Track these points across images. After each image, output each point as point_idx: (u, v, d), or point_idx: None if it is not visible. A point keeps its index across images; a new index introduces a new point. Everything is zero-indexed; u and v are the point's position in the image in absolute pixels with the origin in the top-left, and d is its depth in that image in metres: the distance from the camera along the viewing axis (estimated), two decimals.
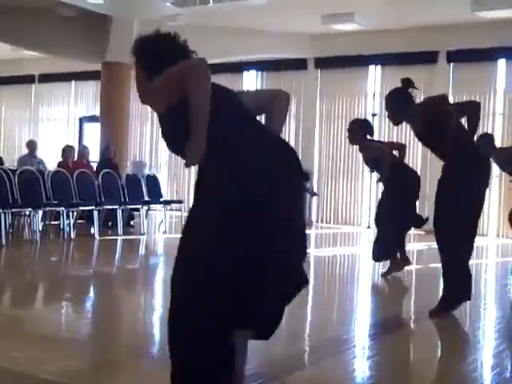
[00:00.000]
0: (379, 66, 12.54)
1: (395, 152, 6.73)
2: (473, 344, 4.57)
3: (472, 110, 4.92)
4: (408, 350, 4.52)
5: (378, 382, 3.67)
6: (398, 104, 5.07)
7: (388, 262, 6.79)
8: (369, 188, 12.39)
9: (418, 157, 11.58)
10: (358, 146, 6.80)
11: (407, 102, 5.03)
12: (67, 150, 11.06)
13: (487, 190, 4.96)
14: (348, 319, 5.25)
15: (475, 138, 5.14)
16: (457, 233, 4.75)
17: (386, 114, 5.26)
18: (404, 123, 5.37)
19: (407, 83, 5.07)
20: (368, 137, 6.67)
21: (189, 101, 2.33)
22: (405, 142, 11.08)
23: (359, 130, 6.64)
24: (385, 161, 6.47)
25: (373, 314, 5.55)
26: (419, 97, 5.22)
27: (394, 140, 11.32)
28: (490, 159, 5.24)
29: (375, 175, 7.08)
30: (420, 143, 5.29)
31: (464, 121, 4.90)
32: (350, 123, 6.91)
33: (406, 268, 6.85)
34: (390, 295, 6.54)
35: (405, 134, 11.41)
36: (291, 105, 13.09)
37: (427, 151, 5.52)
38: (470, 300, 5.00)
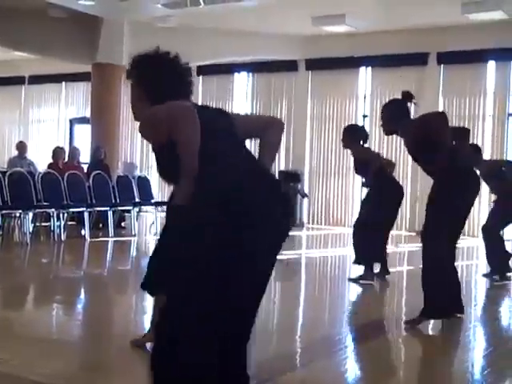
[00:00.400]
0: (370, 68, 12.56)
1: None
2: (464, 345, 4.59)
3: (460, 134, 4.95)
4: (399, 350, 4.53)
5: (370, 383, 3.68)
6: (394, 115, 5.05)
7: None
8: (360, 189, 12.40)
9: (409, 162, 11.60)
10: (350, 151, 6.84)
11: (403, 114, 5.03)
12: (57, 152, 11.02)
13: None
14: (339, 320, 5.27)
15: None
16: (444, 243, 4.77)
17: (380, 122, 5.24)
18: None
19: (407, 96, 5.07)
20: (361, 143, 6.71)
21: (178, 147, 2.37)
22: (395, 146, 11.21)
23: (354, 136, 6.68)
24: (373, 165, 6.50)
25: (364, 315, 5.56)
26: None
27: (385, 144, 11.43)
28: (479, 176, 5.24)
29: (361, 182, 7.10)
30: None
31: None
32: (345, 128, 6.98)
33: (397, 269, 6.87)
34: (381, 296, 6.56)
35: (395, 137, 11.43)
36: (282, 106, 13.18)
37: None
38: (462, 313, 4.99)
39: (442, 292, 4.71)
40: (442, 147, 4.70)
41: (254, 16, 11.04)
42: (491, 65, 11.50)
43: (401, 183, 7.11)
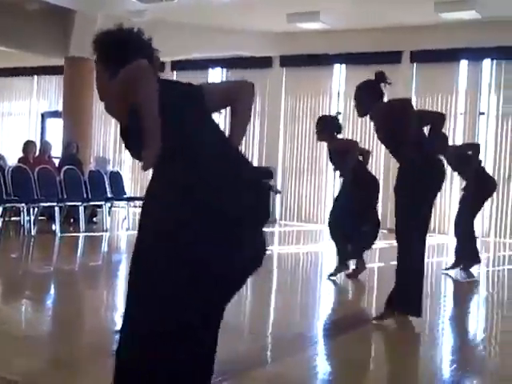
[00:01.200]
0: (344, 65, 12.62)
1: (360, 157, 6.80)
2: (432, 340, 4.64)
3: (436, 120, 5.00)
4: (369, 346, 4.57)
5: (339, 378, 3.70)
6: (367, 96, 5.07)
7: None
8: (332, 186, 12.47)
9: (381, 157, 11.70)
10: (325, 144, 6.86)
11: (376, 95, 5.05)
12: (28, 146, 10.90)
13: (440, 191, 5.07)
14: (310, 317, 5.29)
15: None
16: (415, 234, 4.84)
17: (354, 104, 5.26)
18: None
19: (380, 77, 5.08)
20: (335, 134, 6.71)
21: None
22: (368, 141, 11.28)
23: (328, 127, 6.67)
24: (351, 154, 6.50)
25: (335, 312, 5.59)
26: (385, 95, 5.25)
27: (358, 139, 11.49)
28: (444, 163, 5.30)
29: (339, 173, 7.11)
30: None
31: (427, 129, 4.98)
32: (318, 119, 6.92)
33: (369, 266, 6.93)
34: (352, 293, 6.60)
35: (368, 133, 11.55)
36: (256, 102, 13.18)
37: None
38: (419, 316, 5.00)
39: (415, 290, 4.79)
40: (407, 136, 4.75)
41: (229, 12, 11.02)
42: (463, 64, 11.62)
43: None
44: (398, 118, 4.81)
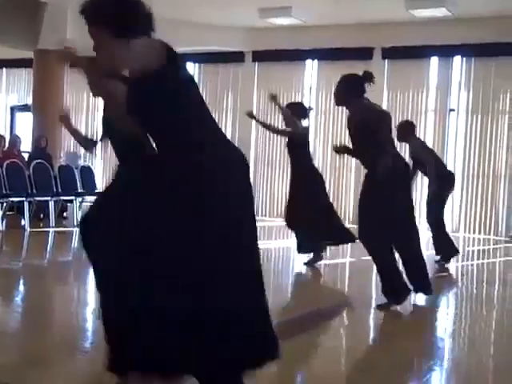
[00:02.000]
0: (316, 61, 12.66)
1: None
2: (402, 334, 4.67)
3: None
4: (340, 339, 4.59)
5: (311, 372, 3.71)
6: (349, 89, 5.16)
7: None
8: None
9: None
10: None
11: (357, 91, 5.14)
12: None
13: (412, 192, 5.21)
14: (281, 310, 5.29)
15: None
16: (381, 241, 4.96)
17: (334, 91, 5.33)
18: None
19: (368, 77, 5.17)
20: (301, 120, 6.98)
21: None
22: (339, 136, 11.36)
23: (292, 112, 6.89)
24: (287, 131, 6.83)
25: (306, 306, 5.60)
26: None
27: (329, 134, 11.56)
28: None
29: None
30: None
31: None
32: (286, 105, 7.24)
33: (340, 261, 6.98)
34: (323, 287, 6.62)
35: (340, 128, 11.61)
36: (228, 97, 13.15)
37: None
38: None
39: (398, 279, 5.11)
40: (381, 145, 4.85)
41: (201, 6, 10.97)
42: (434, 61, 11.72)
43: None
44: (371, 124, 4.90)
